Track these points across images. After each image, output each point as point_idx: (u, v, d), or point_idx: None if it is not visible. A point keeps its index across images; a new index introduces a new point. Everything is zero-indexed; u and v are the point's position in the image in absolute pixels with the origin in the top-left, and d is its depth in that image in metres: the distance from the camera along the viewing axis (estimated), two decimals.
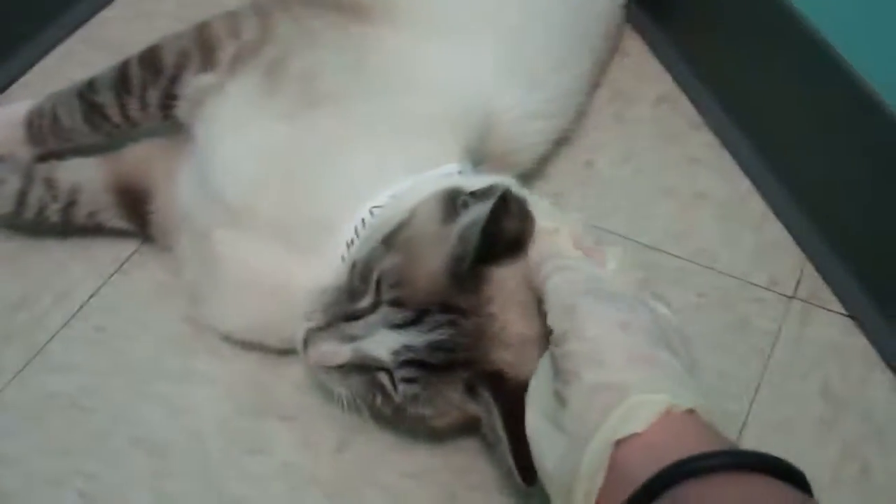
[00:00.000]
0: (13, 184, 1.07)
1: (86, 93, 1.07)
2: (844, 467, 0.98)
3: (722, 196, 1.21)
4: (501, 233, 0.84)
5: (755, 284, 1.13)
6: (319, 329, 0.88)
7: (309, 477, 0.97)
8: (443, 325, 0.84)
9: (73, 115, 1.08)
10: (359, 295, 0.87)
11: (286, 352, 1.03)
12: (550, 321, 0.76)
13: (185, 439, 0.99)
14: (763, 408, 1.03)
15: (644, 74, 1.34)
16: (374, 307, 0.86)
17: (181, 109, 1.04)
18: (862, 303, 1.10)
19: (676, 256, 1.14)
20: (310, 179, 0.94)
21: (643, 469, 0.65)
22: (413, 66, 1.01)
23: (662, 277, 1.12)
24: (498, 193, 0.83)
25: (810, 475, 0.96)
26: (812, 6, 1.10)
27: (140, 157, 1.11)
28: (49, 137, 1.10)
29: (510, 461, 0.81)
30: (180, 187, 1.04)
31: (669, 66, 1.35)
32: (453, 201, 0.88)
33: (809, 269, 1.14)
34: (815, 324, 1.10)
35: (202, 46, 1.04)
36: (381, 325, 0.85)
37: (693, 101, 1.31)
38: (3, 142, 1.12)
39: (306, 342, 0.88)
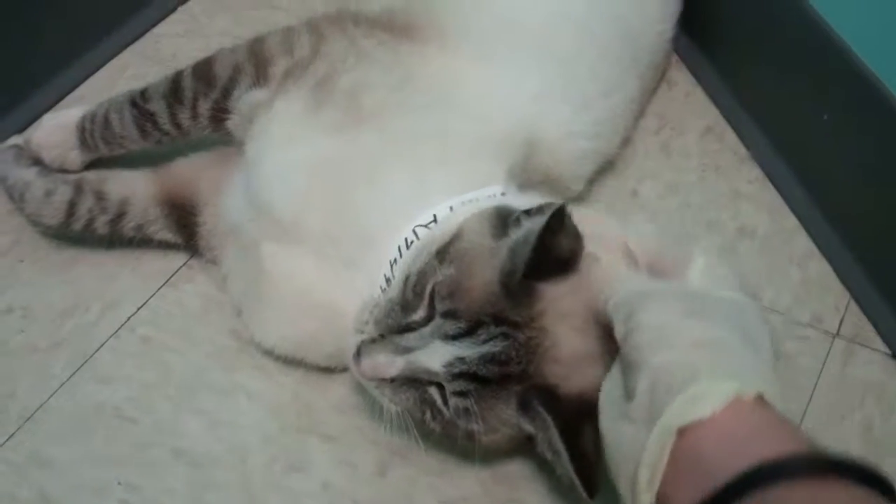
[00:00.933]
0: (63, 195, 1.09)
1: (138, 100, 1.09)
2: None
3: (767, 231, 1.21)
4: (555, 248, 0.85)
5: (799, 321, 1.12)
6: (372, 341, 0.88)
7: (348, 498, 0.97)
8: (496, 337, 0.84)
9: (124, 121, 1.10)
10: (412, 308, 0.88)
11: (328, 370, 1.04)
12: (616, 329, 0.77)
13: (227, 453, 1.00)
14: None
15: (691, 106, 1.35)
16: (428, 320, 0.87)
17: (233, 123, 1.06)
18: None
19: None
20: (355, 195, 0.95)
21: (720, 462, 0.64)
22: (460, 86, 1.02)
23: None
24: (554, 209, 0.83)
25: None
26: (863, 41, 1.10)
27: (189, 170, 1.12)
28: (100, 143, 1.12)
29: (571, 474, 0.81)
30: (229, 200, 1.06)
31: (716, 98, 1.35)
32: (503, 219, 0.89)
33: (854, 307, 1.14)
34: (858, 362, 1.09)
35: (255, 61, 1.05)
36: (434, 337, 0.85)
37: (739, 134, 1.31)
38: (55, 146, 1.13)
39: (358, 354, 0.89)
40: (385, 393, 0.89)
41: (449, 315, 0.85)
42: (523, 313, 0.85)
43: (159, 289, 1.12)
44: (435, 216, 0.93)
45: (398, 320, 0.88)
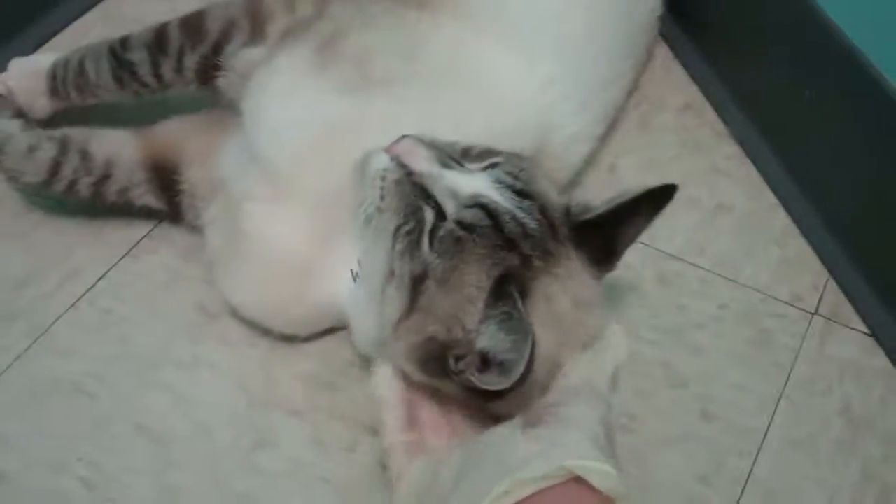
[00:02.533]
0: (48, 152, 1.04)
1: (117, 49, 1.05)
2: (865, 489, 0.96)
3: (745, 208, 1.19)
4: (624, 228, 0.88)
5: (777, 299, 1.11)
6: (418, 139, 0.86)
7: (318, 475, 0.94)
8: (536, 219, 0.83)
9: (100, 70, 1.05)
10: (469, 159, 0.87)
11: (289, 339, 1.01)
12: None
13: (191, 429, 0.96)
14: (782, 424, 1.01)
15: (670, 82, 1.33)
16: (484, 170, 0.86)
17: (225, 81, 1.02)
18: (884, 321, 1.08)
19: (699, 267, 1.13)
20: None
21: None
22: (473, 62, 0.99)
23: (685, 287, 1.10)
24: (669, 186, 0.88)
25: (830, 497, 0.95)
26: (845, 15, 1.09)
27: (174, 133, 1.08)
28: (72, 91, 1.08)
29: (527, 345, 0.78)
30: (222, 159, 1.02)
31: (695, 75, 1.33)
32: None
33: (832, 285, 1.12)
34: (836, 341, 1.08)
35: (253, 17, 1.02)
36: (486, 175, 0.84)
37: (718, 110, 1.29)
38: (24, 91, 1.09)
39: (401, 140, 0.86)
40: (383, 184, 0.86)
41: (510, 174, 0.85)
42: (561, 241, 0.85)
43: (120, 259, 1.08)
44: None
45: (454, 153, 0.87)
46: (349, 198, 0.90)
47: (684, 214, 1.17)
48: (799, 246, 1.16)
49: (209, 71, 1.02)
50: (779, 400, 1.02)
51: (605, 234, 0.88)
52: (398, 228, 0.84)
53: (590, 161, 1.17)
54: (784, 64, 1.19)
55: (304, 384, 1.00)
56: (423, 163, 0.84)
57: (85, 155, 1.05)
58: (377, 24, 0.99)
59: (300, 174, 0.92)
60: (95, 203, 1.07)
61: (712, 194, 1.20)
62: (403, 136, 0.86)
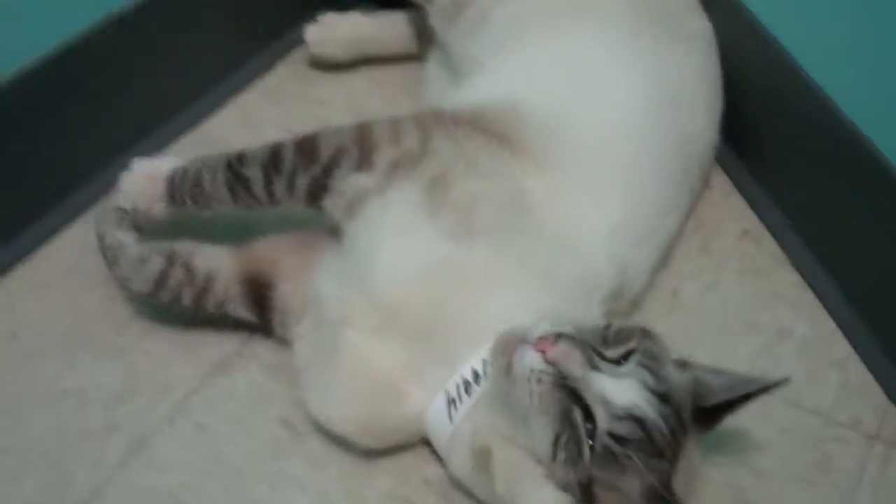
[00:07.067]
0: (156, 265, 1.12)
1: (234, 164, 1.11)
2: None
3: (806, 334, 1.23)
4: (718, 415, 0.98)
5: (838, 423, 1.14)
6: (571, 337, 0.89)
7: None
8: (677, 422, 0.89)
9: (216, 182, 1.11)
10: (609, 345, 0.91)
11: (367, 454, 1.06)
12: None
13: None
14: None
15: (728, 208, 1.38)
16: (620, 363, 0.90)
17: (331, 202, 1.08)
18: None
19: None
20: (468, 297, 0.99)
21: None
22: (561, 217, 1.06)
23: (747, 411, 1.12)
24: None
25: None
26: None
27: (269, 250, 1.15)
28: (187, 199, 1.14)
29: None
30: (317, 279, 1.09)
31: (753, 202, 1.38)
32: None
33: (892, 410, 1.15)
34: None
35: (361, 146, 1.07)
36: (632, 380, 0.88)
37: (776, 237, 1.34)
38: (143, 193, 1.16)
39: (544, 337, 0.88)
40: (539, 388, 0.87)
41: (650, 370, 0.89)
42: (686, 427, 0.92)
43: (211, 375, 1.15)
44: None
45: (596, 343, 0.90)
46: (458, 328, 0.98)
47: (745, 339, 1.22)
48: (859, 371, 1.19)
49: (318, 192, 1.08)
50: None
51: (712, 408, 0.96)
52: (557, 438, 0.88)
53: (651, 286, 1.22)
54: (838, 193, 1.24)
55: (382, 500, 1.04)
56: (578, 368, 0.87)
57: (189, 268, 1.12)
58: (479, 171, 1.06)
59: (407, 308, 0.99)
60: (197, 313, 1.14)
61: (773, 320, 1.24)
62: (559, 337, 0.88)
